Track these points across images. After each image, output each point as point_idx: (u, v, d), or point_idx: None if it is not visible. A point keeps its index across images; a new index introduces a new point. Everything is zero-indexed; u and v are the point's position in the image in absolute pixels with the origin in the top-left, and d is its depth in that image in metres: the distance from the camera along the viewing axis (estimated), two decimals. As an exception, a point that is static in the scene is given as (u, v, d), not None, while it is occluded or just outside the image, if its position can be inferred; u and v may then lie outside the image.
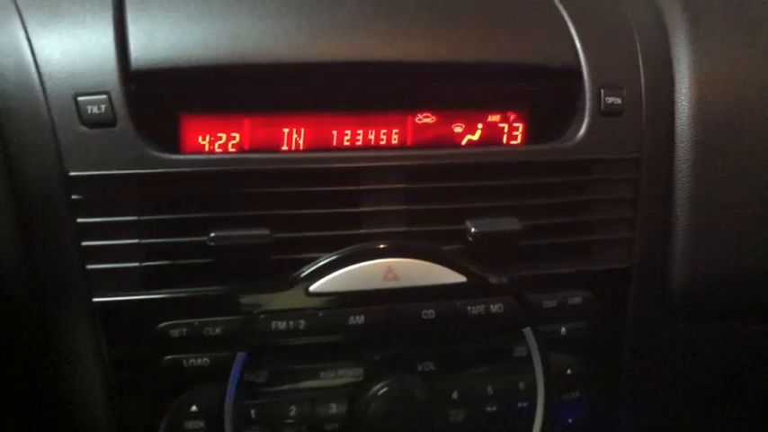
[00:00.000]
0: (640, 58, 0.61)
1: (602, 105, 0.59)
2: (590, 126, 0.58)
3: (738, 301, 0.63)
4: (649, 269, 0.60)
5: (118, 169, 0.51)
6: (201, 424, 0.52)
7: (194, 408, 0.52)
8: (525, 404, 0.56)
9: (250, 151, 0.56)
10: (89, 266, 0.51)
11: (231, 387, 0.52)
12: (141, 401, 0.53)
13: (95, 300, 0.51)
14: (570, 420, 0.58)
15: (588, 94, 0.59)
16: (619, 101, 0.59)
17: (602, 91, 0.59)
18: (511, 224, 0.56)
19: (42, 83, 0.51)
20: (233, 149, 0.56)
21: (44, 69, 0.51)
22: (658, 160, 0.60)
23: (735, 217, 0.61)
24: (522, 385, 0.56)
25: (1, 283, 0.50)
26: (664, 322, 0.61)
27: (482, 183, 0.56)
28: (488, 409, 0.55)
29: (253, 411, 0.52)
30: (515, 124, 0.61)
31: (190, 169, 0.52)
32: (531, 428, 0.57)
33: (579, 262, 0.58)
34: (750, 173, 0.61)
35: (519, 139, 0.61)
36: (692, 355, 0.64)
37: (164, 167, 0.52)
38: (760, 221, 0.61)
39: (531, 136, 0.61)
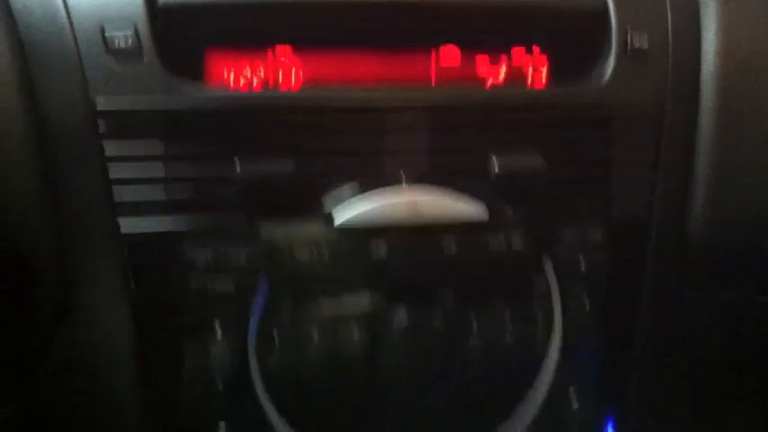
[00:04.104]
0: (668, 1, 0.60)
1: (629, 47, 0.58)
2: (615, 68, 0.58)
3: (757, 246, 0.63)
4: (670, 211, 0.61)
5: (144, 102, 0.52)
6: (226, 349, 0.53)
7: (219, 334, 0.53)
8: (543, 336, 0.57)
9: (275, 86, 0.57)
10: (117, 197, 0.52)
11: (255, 313, 0.54)
12: (167, 328, 0.54)
13: (123, 229, 0.52)
14: (586, 352, 0.59)
15: (614, 36, 0.58)
16: (645, 44, 0.59)
17: (628, 32, 0.58)
18: (534, 165, 0.56)
19: (69, 15, 0.51)
20: (257, 84, 0.56)
21: (70, 1, 0.51)
22: (682, 105, 0.60)
23: (757, 166, 0.61)
24: (540, 318, 0.57)
25: (26, 215, 0.51)
26: (683, 264, 0.62)
27: (506, 124, 0.57)
28: (507, 340, 0.56)
29: (277, 337, 0.54)
30: (540, 65, 0.60)
31: (216, 102, 0.53)
32: (548, 359, 0.58)
33: (601, 203, 0.59)
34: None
35: (543, 80, 0.61)
36: (711, 297, 0.64)
37: (190, 101, 0.52)
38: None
39: (555, 77, 0.61)
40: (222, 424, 0.55)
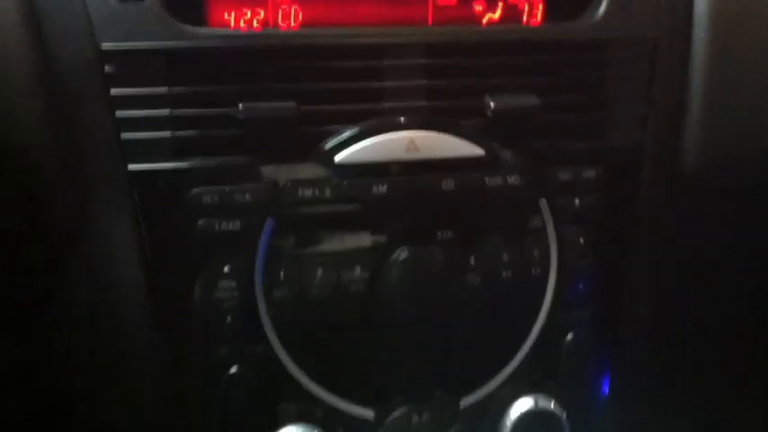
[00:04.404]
0: None
1: None
2: (609, 5, 0.59)
3: (748, 181, 0.65)
4: (663, 146, 0.62)
5: (147, 42, 0.53)
6: (234, 284, 0.55)
7: (227, 269, 0.55)
8: (539, 270, 0.59)
9: (275, 27, 0.57)
10: (123, 136, 0.54)
11: (261, 250, 0.55)
12: (176, 264, 0.56)
13: (130, 167, 0.54)
14: (581, 286, 0.61)
15: None
16: None
17: None
18: (529, 100, 0.57)
19: None
20: (257, 25, 0.57)
21: None
22: (675, 41, 0.61)
23: (749, 98, 0.62)
24: (536, 253, 0.59)
25: (38, 155, 0.53)
26: (675, 199, 0.63)
27: (502, 60, 0.58)
28: (504, 274, 0.58)
29: (282, 273, 0.56)
30: (535, 3, 0.61)
31: (216, 43, 0.54)
32: (545, 293, 0.60)
33: (594, 138, 0.60)
34: (765, 54, 0.62)
35: (539, 18, 0.61)
36: (702, 231, 0.66)
37: (191, 41, 0.54)
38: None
39: (550, 15, 0.61)
40: (235, 367, 0.57)
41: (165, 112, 0.54)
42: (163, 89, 0.53)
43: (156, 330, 0.58)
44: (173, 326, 0.57)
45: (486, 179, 0.57)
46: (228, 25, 0.57)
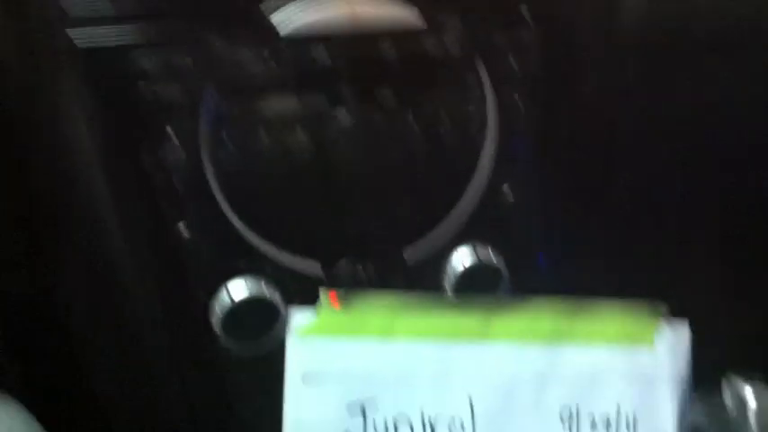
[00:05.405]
0: None
1: None
2: None
3: (687, 38, 0.66)
4: (599, 4, 0.63)
5: None
6: (179, 145, 0.57)
7: (169, 129, 0.57)
8: (477, 127, 0.62)
9: None
10: (70, 13, 0.53)
11: (204, 114, 0.57)
12: (122, 128, 0.57)
13: (72, 34, 0.54)
14: (518, 143, 0.63)
15: None
16: None
17: None
18: None
19: None
20: None
21: None
22: None
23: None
24: (474, 111, 0.61)
25: None
26: (613, 57, 0.65)
27: None
28: (443, 130, 0.61)
29: (224, 134, 0.58)
30: None
31: None
32: (482, 149, 0.63)
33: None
34: None
35: None
36: (641, 89, 0.67)
37: None
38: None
39: None
40: (181, 224, 0.60)
41: None
42: None
43: (109, 198, 0.59)
44: (125, 190, 0.59)
45: (425, 42, 0.58)
46: None
